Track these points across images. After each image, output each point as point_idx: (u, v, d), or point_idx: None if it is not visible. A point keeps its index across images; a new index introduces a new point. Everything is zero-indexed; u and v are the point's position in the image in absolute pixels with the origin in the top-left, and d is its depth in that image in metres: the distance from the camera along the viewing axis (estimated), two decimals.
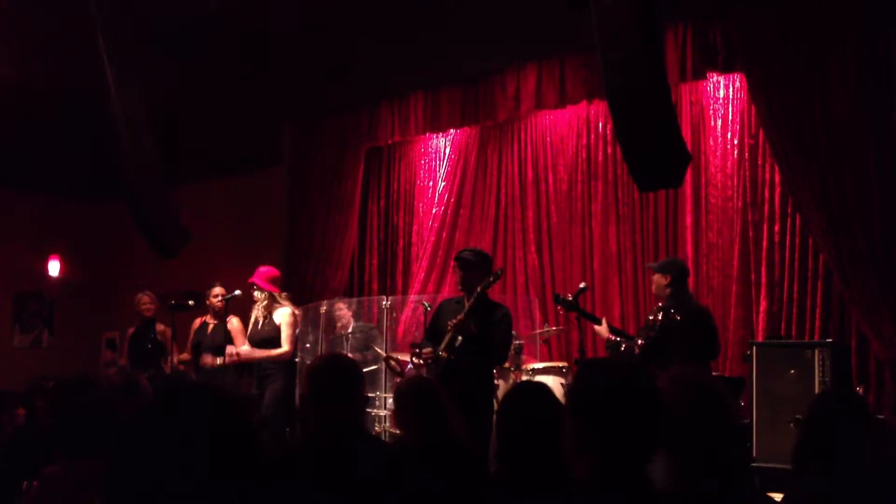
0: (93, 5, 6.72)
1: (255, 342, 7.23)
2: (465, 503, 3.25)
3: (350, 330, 8.17)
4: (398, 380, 7.42)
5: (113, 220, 10.75)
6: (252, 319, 7.35)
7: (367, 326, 8.28)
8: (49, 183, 11.19)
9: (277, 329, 7.20)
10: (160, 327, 8.35)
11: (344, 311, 8.29)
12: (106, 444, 2.96)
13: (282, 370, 7.25)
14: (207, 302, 7.88)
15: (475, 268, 5.76)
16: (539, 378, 6.83)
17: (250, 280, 7.32)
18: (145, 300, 8.44)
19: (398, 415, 3.80)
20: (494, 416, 6.13)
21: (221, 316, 7.63)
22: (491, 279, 5.74)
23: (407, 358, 7.33)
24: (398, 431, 6.41)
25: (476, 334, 5.52)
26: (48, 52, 8.54)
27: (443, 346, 5.60)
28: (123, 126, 6.96)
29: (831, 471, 2.76)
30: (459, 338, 5.54)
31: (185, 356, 8.04)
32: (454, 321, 5.56)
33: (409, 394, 3.75)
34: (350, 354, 7.83)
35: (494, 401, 5.73)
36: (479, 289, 5.64)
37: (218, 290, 7.83)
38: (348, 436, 3.03)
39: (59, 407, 3.44)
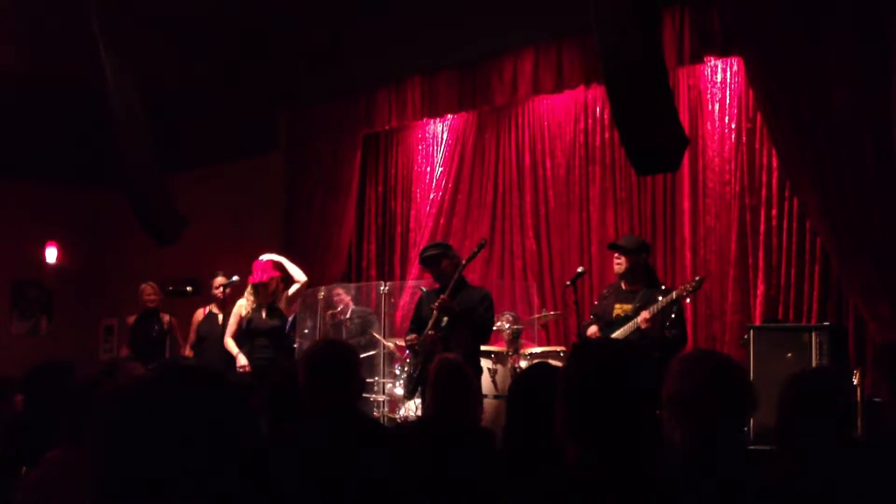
0: None
1: (264, 331, 7.04)
2: (468, 488, 3.26)
3: (348, 315, 8.16)
4: (396, 363, 7.45)
5: (110, 208, 10.72)
6: (252, 308, 7.16)
7: (364, 311, 8.28)
8: (47, 170, 11.17)
9: (284, 318, 7.16)
10: (165, 318, 8.35)
11: (342, 296, 8.28)
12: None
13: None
14: (212, 292, 7.86)
15: (440, 260, 5.96)
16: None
17: (267, 278, 7.09)
18: (148, 290, 8.43)
19: (430, 396, 3.79)
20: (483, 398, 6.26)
21: (225, 305, 7.60)
22: (476, 250, 5.97)
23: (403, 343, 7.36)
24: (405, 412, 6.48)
25: (459, 312, 5.72)
26: (47, 41, 8.51)
27: (429, 325, 5.79)
28: (120, 114, 6.94)
29: (814, 449, 2.76)
30: (445, 318, 5.68)
31: (188, 352, 8.02)
32: (437, 302, 5.76)
33: (445, 376, 3.75)
34: (349, 339, 7.84)
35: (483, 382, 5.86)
36: (464, 261, 5.88)
37: (220, 279, 7.81)
38: (346, 420, 3.03)
39: (35, 395, 3.47)
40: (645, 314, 5.65)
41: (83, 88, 7.44)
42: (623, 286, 5.99)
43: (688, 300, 5.78)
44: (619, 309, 5.92)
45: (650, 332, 5.63)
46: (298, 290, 7.30)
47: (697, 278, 5.93)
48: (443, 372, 3.78)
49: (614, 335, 5.78)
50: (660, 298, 5.71)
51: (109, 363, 3.97)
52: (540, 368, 3.11)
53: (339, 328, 8.17)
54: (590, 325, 6.09)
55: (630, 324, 5.75)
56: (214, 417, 1.61)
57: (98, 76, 6.88)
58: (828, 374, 3.14)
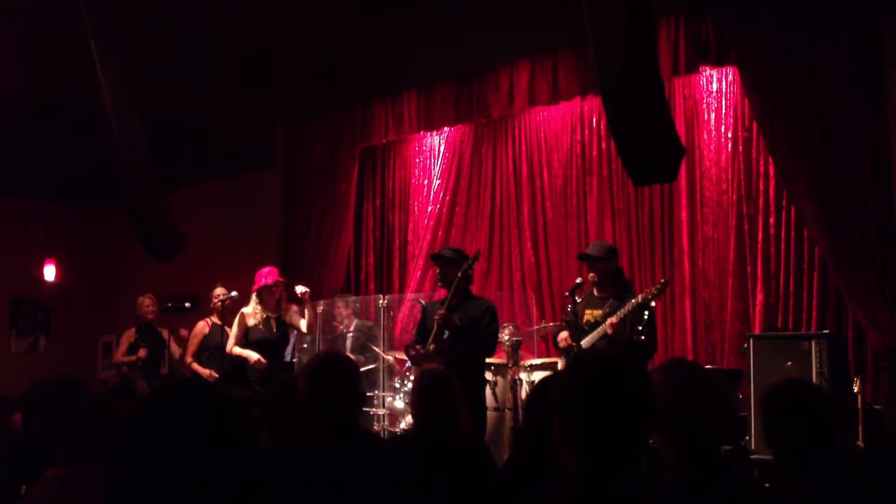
0: (84, 9, 6.71)
1: (273, 342, 6.95)
2: (464, 497, 3.25)
3: (352, 329, 8.15)
4: (396, 376, 7.44)
5: (108, 224, 10.73)
6: (261, 319, 7.01)
7: (367, 325, 8.27)
8: (44, 188, 11.17)
9: (288, 333, 7.13)
10: (164, 331, 8.30)
11: (341, 309, 8.26)
12: (104, 447, 2.96)
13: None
14: (212, 305, 7.81)
15: (453, 263, 5.97)
16: (536, 374, 6.83)
17: (271, 282, 7.00)
18: (148, 303, 8.37)
19: (414, 407, 3.82)
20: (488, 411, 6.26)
21: (224, 316, 7.56)
22: (468, 263, 5.93)
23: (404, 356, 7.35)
24: (405, 425, 6.47)
25: (459, 325, 5.72)
26: (44, 58, 8.52)
27: (430, 339, 5.78)
28: (117, 130, 6.95)
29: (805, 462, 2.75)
30: (446, 332, 5.67)
31: (191, 363, 7.96)
32: (437, 316, 5.76)
33: (427, 387, 3.77)
34: (350, 353, 7.82)
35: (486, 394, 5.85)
36: (458, 274, 5.85)
37: (220, 290, 7.80)
38: (345, 434, 3.03)
39: (48, 411, 3.46)
40: (611, 319, 5.66)
41: (81, 105, 7.44)
42: (595, 292, 6.01)
43: (652, 303, 5.70)
44: (589, 315, 5.94)
45: (618, 335, 5.63)
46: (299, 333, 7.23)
47: (662, 281, 5.92)
48: (425, 383, 3.78)
49: (583, 342, 5.81)
50: (628, 302, 5.69)
51: (123, 384, 3.95)
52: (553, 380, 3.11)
53: (337, 342, 8.16)
54: (560, 330, 6.12)
55: (598, 330, 5.76)
56: (215, 431, 1.61)
57: (95, 93, 6.89)
58: (798, 384, 3.09)
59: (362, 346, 8.01)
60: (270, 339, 6.89)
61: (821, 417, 2.78)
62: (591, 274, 6.02)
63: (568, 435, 2.06)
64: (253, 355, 6.77)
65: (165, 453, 1.55)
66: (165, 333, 8.27)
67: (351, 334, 8.14)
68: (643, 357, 5.69)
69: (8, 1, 7.21)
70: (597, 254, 5.99)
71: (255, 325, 6.90)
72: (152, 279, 9.37)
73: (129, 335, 8.36)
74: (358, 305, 8.46)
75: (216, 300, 7.77)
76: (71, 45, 6.97)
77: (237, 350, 6.89)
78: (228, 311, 7.59)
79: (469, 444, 3.61)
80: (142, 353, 8.02)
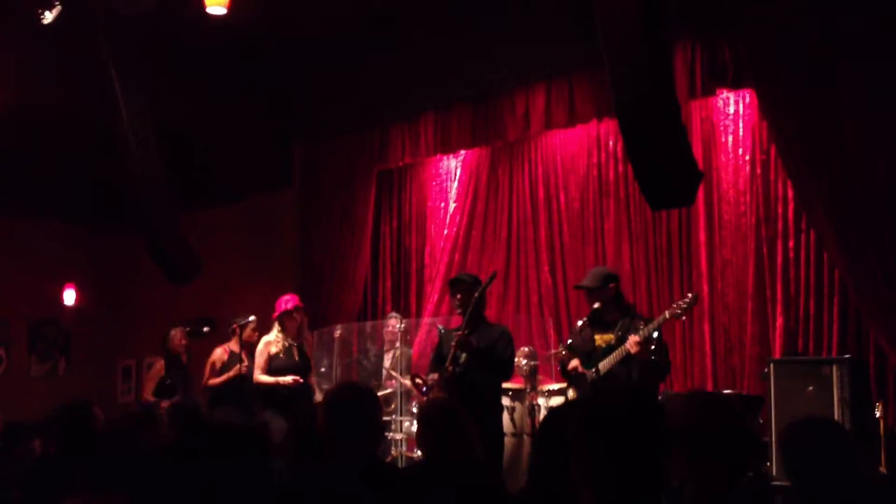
0: (101, 34, 6.79)
1: (294, 369, 7.10)
2: None
3: (396, 347, 8.12)
4: (413, 400, 7.42)
5: (127, 248, 10.78)
6: (283, 347, 7.19)
7: (405, 350, 8.23)
8: (63, 212, 11.26)
9: (309, 361, 7.18)
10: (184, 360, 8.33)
11: (395, 329, 8.21)
12: (126, 476, 2.96)
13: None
14: (238, 330, 7.77)
15: (472, 288, 5.99)
16: (554, 399, 6.80)
17: (292, 307, 7.19)
18: (179, 336, 8.39)
19: (422, 435, 3.78)
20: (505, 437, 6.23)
21: (250, 347, 7.56)
22: (485, 284, 5.98)
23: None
24: (419, 452, 6.44)
25: (477, 348, 5.72)
26: (63, 81, 8.61)
27: (448, 361, 5.78)
28: (135, 154, 7.01)
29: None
30: (464, 355, 5.68)
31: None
32: (455, 339, 5.77)
33: (435, 415, 3.73)
34: (393, 374, 7.81)
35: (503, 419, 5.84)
36: (475, 294, 5.87)
37: (252, 319, 7.77)
38: (363, 464, 3.02)
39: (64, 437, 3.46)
40: (635, 338, 5.68)
41: (101, 129, 7.51)
42: (602, 317, 6.04)
43: (683, 318, 5.76)
44: (599, 339, 5.97)
45: (639, 356, 5.67)
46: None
47: (691, 295, 5.99)
48: (430, 415, 3.72)
49: (602, 363, 5.85)
50: (640, 325, 5.76)
51: (144, 412, 3.97)
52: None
53: (362, 366, 8.18)
54: (570, 359, 6.13)
55: (617, 352, 5.79)
56: (234, 470, 1.61)
57: (114, 115, 6.96)
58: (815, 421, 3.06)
59: (402, 370, 7.95)
60: (292, 366, 6.97)
61: (838, 452, 2.75)
62: (596, 303, 6.04)
63: (587, 472, 2.03)
64: (287, 378, 6.86)
65: (188, 490, 1.55)
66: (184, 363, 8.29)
67: (391, 355, 8.13)
68: (658, 377, 5.70)
69: (29, 26, 7.30)
70: (590, 284, 6.08)
71: (277, 354, 6.96)
72: (171, 303, 9.41)
73: (159, 369, 8.34)
74: (402, 324, 8.37)
75: (246, 329, 7.71)
76: (90, 68, 7.05)
77: (266, 378, 6.95)
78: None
79: (481, 478, 3.55)
80: (163, 404, 8.00)
